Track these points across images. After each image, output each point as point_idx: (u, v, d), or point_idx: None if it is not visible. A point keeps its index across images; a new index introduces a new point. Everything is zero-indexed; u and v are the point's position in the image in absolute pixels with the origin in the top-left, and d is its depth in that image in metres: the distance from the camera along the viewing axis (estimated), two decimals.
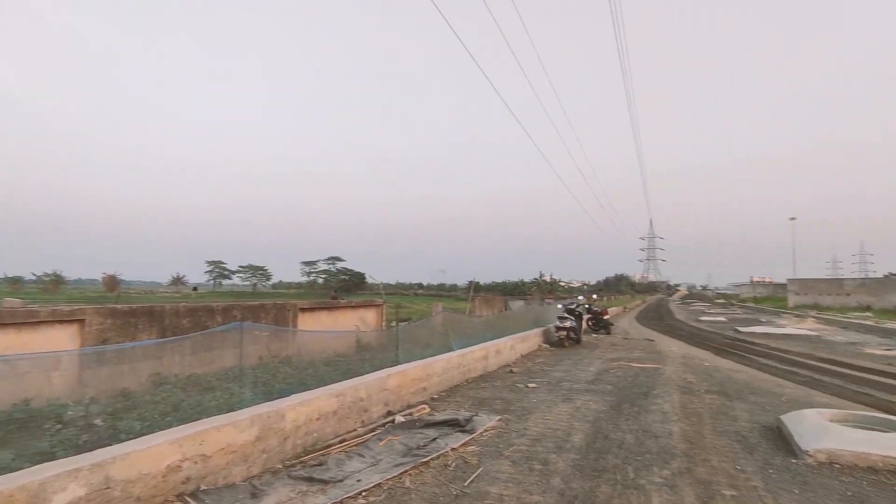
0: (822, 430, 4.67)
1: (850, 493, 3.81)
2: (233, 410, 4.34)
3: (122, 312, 8.63)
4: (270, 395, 5.94)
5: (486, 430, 5.37)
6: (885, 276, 44.42)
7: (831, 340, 16.39)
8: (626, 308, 42.14)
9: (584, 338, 15.15)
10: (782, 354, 12.63)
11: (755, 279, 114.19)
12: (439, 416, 5.77)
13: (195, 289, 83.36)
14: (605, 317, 17.98)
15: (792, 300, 38.32)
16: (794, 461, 4.47)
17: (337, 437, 4.95)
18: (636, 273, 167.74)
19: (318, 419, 4.76)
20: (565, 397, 7.16)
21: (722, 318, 28.35)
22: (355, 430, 5.20)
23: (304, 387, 6.16)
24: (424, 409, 6.19)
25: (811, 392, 7.89)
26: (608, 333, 17.63)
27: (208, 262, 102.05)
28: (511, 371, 9.33)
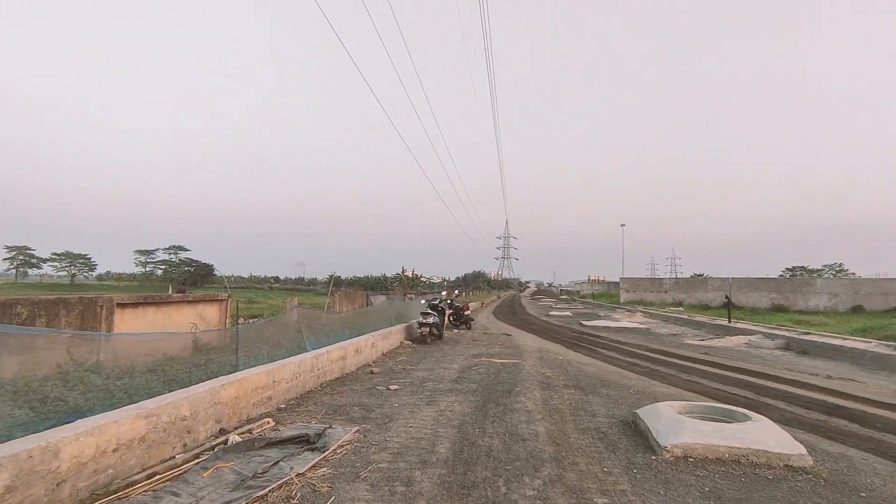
0: (676, 423, 4.77)
1: (707, 489, 3.83)
2: None
3: None
4: (58, 419, 4.55)
5: (341, 446, 4.64)
6: (692, 276, 52.31)
7: (658, 333, 18.45)
8: (483, 304, 43.86)
9: (446, 333, 15.06)
10: (622, 346, 13.74)
11: (592, 277, 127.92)
12: (286, 432, 4.90)
13: None
14: (467, 312, 18.17)
15: (623, 297, 43.23)
16: (653, 458, 4.47)
17: (145, 470, 3.84)
18: (492, 270, 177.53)
19: (115, 450, 3.62)
20: (429, 399, 6.70)
21: (568, 313, 30.77)
22: (173, 458, 4.12)
23: (113, 404, 4.89)
24: (268, 423, 5.25)
25: (652, 382, 8.46)
26: (469, 329, 17.83)
27: (8, 247, 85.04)
28: (372, 372, 8.66)
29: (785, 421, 5.96)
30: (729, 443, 4.41)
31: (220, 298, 12.39)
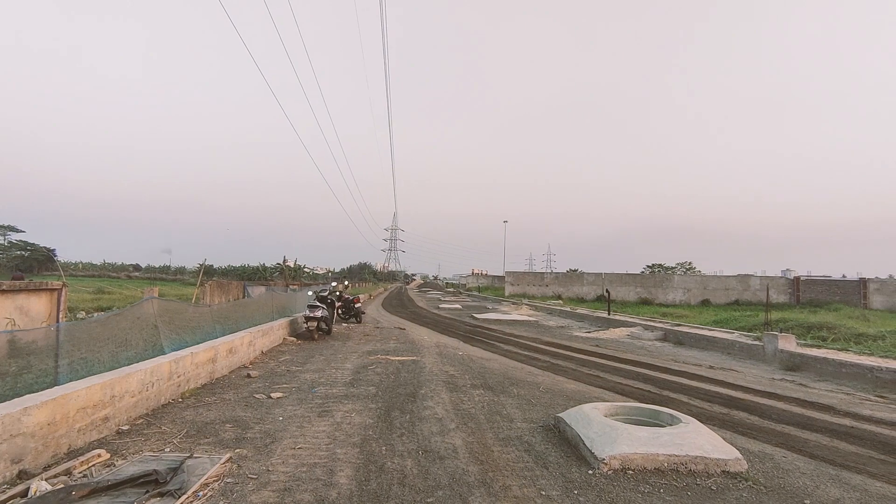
0: (610, 430, 4.28)
1: None
2: None
3: None
4: None
5: (205, 484, 3.46)
6: (568, 271, 55.63)
7: (547, 325, 18.84)
8: (371, 295, 42.60)
9: (335, 328, 13.85)
10: (518, 340, 13.60)
11: (475, 271, 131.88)
12: (124, 469, 3.59)
13: None
14: (357, 305, 17.02)
15: (508, 290, 44.58)
16: (590, 472, 3.91)
17: None
18: (378, 262, 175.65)
19: None
20: (322, 409, 5.63)
21: (458, 306, 30.79)
22: None
23: None
24: (99, 456, 3.85)
25: (557, 378, 8.15)
26: (360, 322, 16.73)
27: None
28: (249, 375, 7.31)
29: (695, 416, 5.85)
30: (668, 450, 3.99)
31: (50, 287, 9.96)
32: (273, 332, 10.46)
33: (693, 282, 40.58)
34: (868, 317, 24.14)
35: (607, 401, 6.58)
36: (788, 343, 10.23)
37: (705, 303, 38.01)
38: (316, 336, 11.73)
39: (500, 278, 63.29)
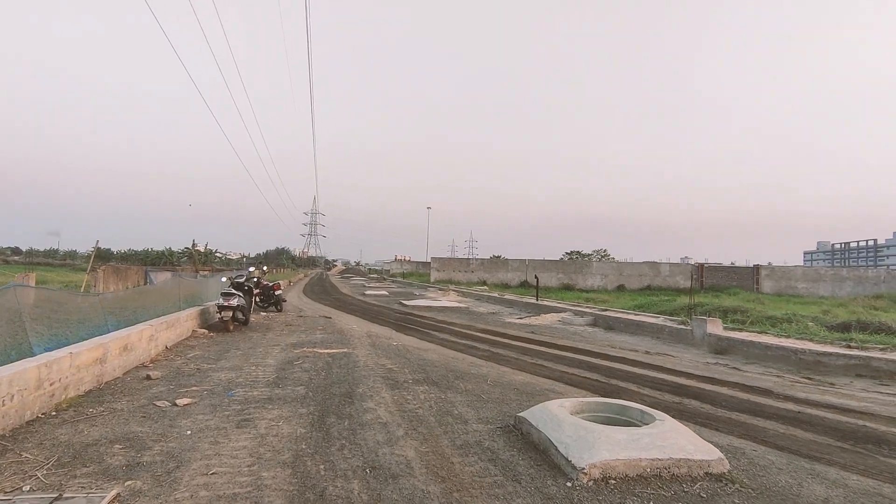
0: (585, 433, 3.79)
1: None
2: None
3: None
4: None
5: None
6: (492, 257, 56.30)
7: (477, 311, 18.54)
8: (290, 282, 40.49)
9: (253, 317, 12.59)
10: (452, 328, 13.09)
11: (398, 257, 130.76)
12: None
13: None
14: (277, 292, 15.73)
15: (434, 276, 44.23)
16: (569, 484, 3.39)
17: None
18: (296, 247, 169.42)
19: None
20: (241, 417, 4.70)
21: (384, 292, 29.86)
22: None
23: None
24: None
25: (501, 369, 7.68)
26: (280, 311, 15.46)
27: None
28: (149, 377, 6.15)
29: (650, 406, 5.58)
30: (650, 454, 3.56)
31: None
32: (180, 324, 9.15)
33: (610, 268, 42.47)
34: (762, 300, 26.28)
35: (559, 393, 6.19)
36: (716, 327, 10.52)
37: (621, 288, 39.91)
38: (231, 327, 10.50)
39: (425, 264, 62.89)
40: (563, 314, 15.81)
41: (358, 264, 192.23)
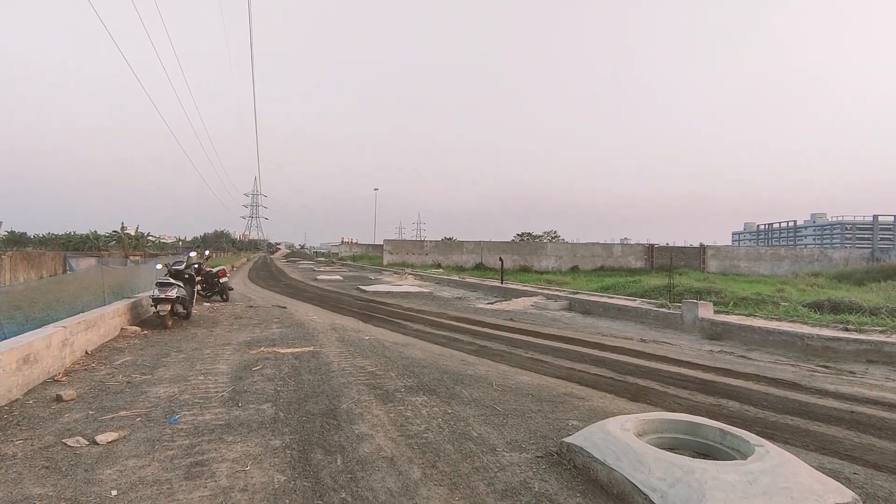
0: (683, 476, 2.80)
1: None
2: None
3: None
4: None
5: None
6: (444, 239, 55.30)
7: (443, 297, 17.48)
8: (233, 267, 37.83)
9: (196, 309, 10.95)
10: (423, 316, 11.97)
11: (345, 239, 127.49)
12: None
13: None
14: (223, 279, 14.02)
15: (387, 258, 42.70)
16: None
17: None
18: (237, 230, 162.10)
19: None
20: (190, 459, 3.41)
21: (337, 277, 28.18)
22: None
23: None
24: None
25: (500, 368, 6.65)
26: (227, 300, 13.79)
27: None
28: (60, 397, 4.67)
29: (686, 410, 4.75)
30: (776, 503, 2.62)
31: None
32: (105, 322, 7.53)
33: (564, 249, 42.53)
34: (711, 279, 26.81)
35: (580, 397, 5.26)
36: (707, 311, 9.97)
37: (575, 269, 40.00)
38: (170, 322, 8.92)
39: (376, 247, 61.20)
40: (534, 298, 15.03)
41: (303, 247, 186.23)
